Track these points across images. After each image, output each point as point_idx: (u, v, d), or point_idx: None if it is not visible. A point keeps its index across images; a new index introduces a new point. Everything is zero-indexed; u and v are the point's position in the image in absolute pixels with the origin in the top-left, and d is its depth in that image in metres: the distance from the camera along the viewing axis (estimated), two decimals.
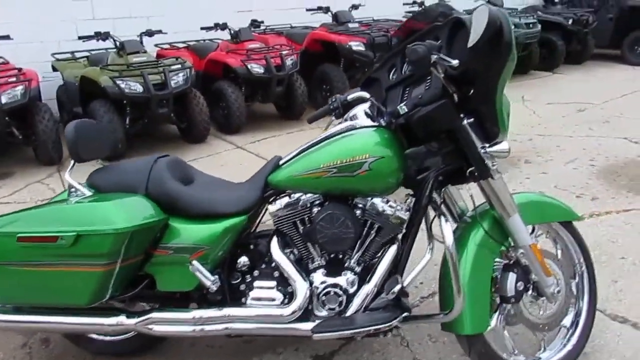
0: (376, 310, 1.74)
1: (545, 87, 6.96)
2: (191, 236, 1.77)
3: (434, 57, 1.48)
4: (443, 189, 1.82)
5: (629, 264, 2.54)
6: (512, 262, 1.75)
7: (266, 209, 1.83)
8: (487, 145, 1.63)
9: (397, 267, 1.78)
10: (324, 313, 1.75)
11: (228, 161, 4.43)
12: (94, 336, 2.03)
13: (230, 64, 4.85)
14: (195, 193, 1.82)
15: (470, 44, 1.42)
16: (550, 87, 6.91)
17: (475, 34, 1.40)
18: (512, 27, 1.44)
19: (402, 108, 1.69)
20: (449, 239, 1.59)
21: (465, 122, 1.62)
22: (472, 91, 1.59)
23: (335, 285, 1.74)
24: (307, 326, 1.72)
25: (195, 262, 1.75)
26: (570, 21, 7.90)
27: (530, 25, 7.14)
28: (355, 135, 1.70)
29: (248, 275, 1.84)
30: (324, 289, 1.74)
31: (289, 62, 4.99)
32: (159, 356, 2.04)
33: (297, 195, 1.77)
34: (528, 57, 7.39)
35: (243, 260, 1.84)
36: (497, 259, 1.78)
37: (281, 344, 2.05)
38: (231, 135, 5.07)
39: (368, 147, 1.66)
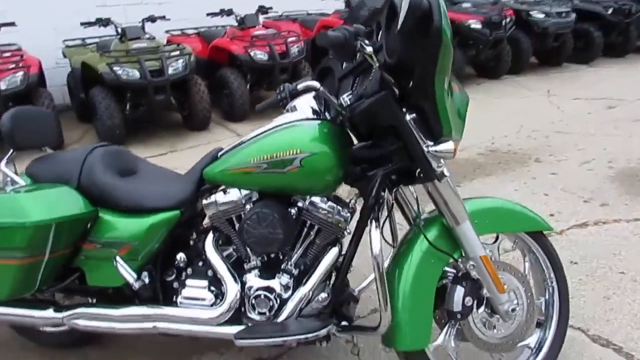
0: (309, 317, 1.60)
1: (576, 81, 6.53)
2: (119, 231, 1.67)
3: (357, 44, 1.31)
4: (395, 190, 1.65)
5: (628, 279, 2.28)
6: (460, 274, 1.57)
7: None
8: (431, 144, 1.45)
9: (339, 272, 1.64)
10: (255, 317, 1.63)
11: None
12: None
13: (232, 50, 4.75)
14: (127, 186, 1.72)
15: (397, 29, 1.25)
16: (582, 81, 6.48)
17: (400, 18, 1.22)
18: (444, 10, 1.24)
19: (345, 100, 1.53)
20: (375, 246, 1.42)
21: (407, 117, 1.44)
22: (410, 84, 1.41)
23: (267, 289, 1.61)
24: (232, 330, 1.60)
25: (118, 258, 1.66)
26: (610, 11, 7.38)
27: (563, 15, 6.71)
28: (289, 129, 1.55)
29: (183, 273, 1.74)
30: (255, 291, 1.61)
31: (294, 49, 4.84)
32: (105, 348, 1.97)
33: (232, 190, 1.65)
34: (560, 48, 6.97)
35: (180, 256, 1.72)
36: (449, 270, 1.61)
37: (224, 344, 1.94)
38: (235, 123, 4.99)
39: (300, 142, 1.50)
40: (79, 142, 4.75)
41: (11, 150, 1.79)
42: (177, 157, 4.17)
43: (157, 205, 1.67)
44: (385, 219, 1.73)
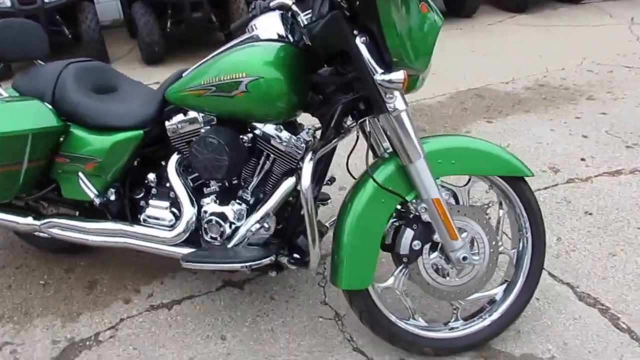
0: (256, 246, 1.59)
1: None
2: (86, 146, 1.71)
3: None
4: (362, 122, 1.53)
5: None
6: (411, 216, 1.46)
7: None
8: (381, 72, 1.30)
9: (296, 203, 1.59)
10: (209, 241, 1.64)
11: None
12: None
13: None
14: (95, 103, 1.73)
15: None
16: None
17: None
18: None
19: (303, 19, 1.40)
20: (305, 180, 1.34)
21: (358, 41, 1.29)
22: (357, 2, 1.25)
23: (220, 215, 1.60)
24: (184, 252, 1.63)
25: (80, 174, 1.71)
26: None
27: None
28: (240, 50, 1.45)
29: (150, 193, 1.77)
30: (209, 216, 1.62)
31: None
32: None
33: (191, 113, 1.61)
34: None
35: (150, 177, 1.75)
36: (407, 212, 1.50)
37: None
38: None
39: (246, 65, 1.41)
40: (124, 58, 4.88)
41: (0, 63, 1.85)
42: None
43: (121, 124, 1.68)
44: (350, 152, 1.64)
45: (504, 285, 1.60)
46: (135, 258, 2.06)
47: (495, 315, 1.56)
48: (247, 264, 1.51)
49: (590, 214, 2.20)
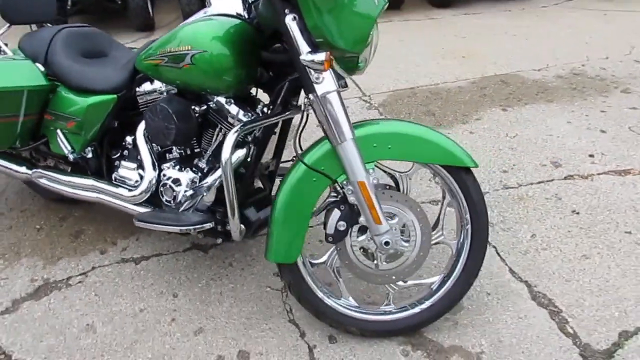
0: (202, 212, 1.67)
1: None
2: (68, 106, 1.85)
3: None
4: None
5: (630, 241, 1.91)
6: (340, 197, 1.47)
7: None
8: (308, 51, 1.30)
9: (245, 174, 1.65)
10: (165, 204, 1.75)
11: None
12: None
13: None
14: (79, 67, 1.85)
15: None
16: None
17: None
18: None
19: None
20: (225, 152, 1.38)
21: (288, 18, 1.31)
22: None
23: (175, 180, 1.69)
24: (141, 211, 1.75)
25: (58, 131, 1.86)
26: None
27: None
28: (192, 24, 1.50)
29: (123, 154, 1.90)
30: (165, 180, 1.71)
31: None
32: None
33: (157, 82, 1.70)
34: None
35: (128, 139, 1.87)
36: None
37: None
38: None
39: (192, 39, 1.46)
40: (169, 25, 5.06)
41: (7, 25, 2.02)
42: None
43: (97, 88, 1.79)
44: (298, 129, 1.65)
45: (442, 276, 1.59)
46: (121, 214, 2.21)
47: (427, 304, 1.55)
48: (185, 227, 1.59)
49: (578, 213, 2.08)
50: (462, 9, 5.14)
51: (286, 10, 1.30)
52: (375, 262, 1.50)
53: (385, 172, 1.54)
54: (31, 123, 1.93)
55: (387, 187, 1.52)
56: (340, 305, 1.56)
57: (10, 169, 2.05)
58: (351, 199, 1.43)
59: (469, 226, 1.51)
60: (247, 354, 1.57)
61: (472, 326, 1.61)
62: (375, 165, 1.52)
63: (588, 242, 1.92)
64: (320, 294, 1.55)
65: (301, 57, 1.30)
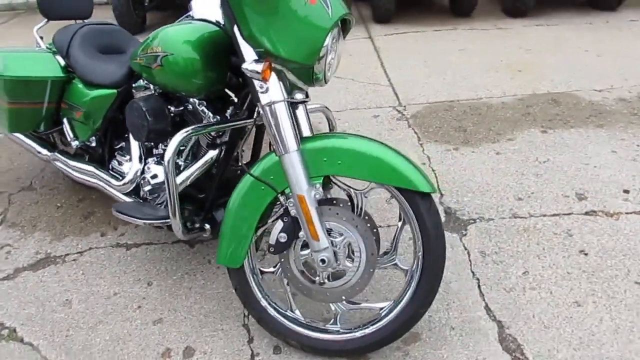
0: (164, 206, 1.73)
1: None
2: (77, 97, 2.01)
3: None
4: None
5: (637, 294, 1.67)
6: (283, 210, 1.44)
7: None
8: (251, 61, 1.30)
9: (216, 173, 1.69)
10: (145, 197, 1.83)
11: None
12: None
13: None
14: (90, 62, 1.99)
15: None
16: None
17: None
18: None
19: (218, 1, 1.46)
20: (168, 152, 1.41)
21: (235, 27, 1.31)
22: None
23: (152, 175, 1.77)
24: (125, 200, 1.85)
25: (65, 119, 2.02)
26: None
27: None
28: (168, 27, 1.55)
29: (122, 146, 2.01)
30: (146, 174, 1.80)
31: None
32: None
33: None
34: None
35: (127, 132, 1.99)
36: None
37: None
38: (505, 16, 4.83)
39: (162, 41, 1.51)
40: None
41: (45, 20, 2.23)
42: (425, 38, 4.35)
43: (100, 82, 1.93)
44: (246, 138, 1.64)
45: (392, 302, 1.51)
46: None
47: (371, 329, 1.48)
48: (148, 221, 1.66)
49: (586, 254, 1.87)
50: (537, 19, 4.79)
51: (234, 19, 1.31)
52: (317, 278, 1.46)
53: (341, 188, 1.49)
54: (52, 110, 2.12)
55: (339, 204, 1.47)
56: (283, 317, 1.54)
57: (34, 149, 2.26)
58: (292, 211, 1.41)
59: (420, 254, 1.43)
60: (193, 351, 1.60)
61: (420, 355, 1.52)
62: (331, 181, 1.49)
63: (586, 288, 1.73)
64: (264, 303, 1.54)
65: (242, 66, 1.30)
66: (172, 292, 1.84)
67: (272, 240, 1.45)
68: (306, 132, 1.48)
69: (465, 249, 1.94)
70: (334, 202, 1.44)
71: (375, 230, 1.53)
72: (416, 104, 3.21)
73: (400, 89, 3.44)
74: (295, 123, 1.44)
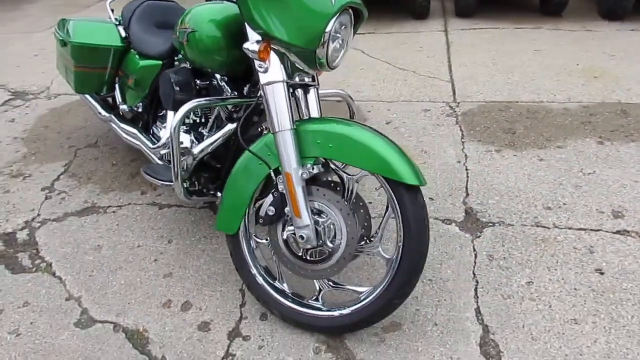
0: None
1: None
2: (130, 66, 2.22)
3: None
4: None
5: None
6: (274, 184, 1.51)
7: None
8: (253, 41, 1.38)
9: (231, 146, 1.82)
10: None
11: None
12: None
13: None
14: (143, 35, 2.19)
15: None
16: None
17: None
18: None
19: None
20: (173, 121, 1.53)
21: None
22: None
23: (181, 141, 1.93)
24: (157, 163, 2.03)
25: (116, 85, 2.23)
26: None
27: None
28: (202, 5, 1.68)
29: (163, 113, 2.20)
30: (176, 140, 1.95)
31: None
32: None
33: None
34: None
35: None
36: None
37: None
38: None
39: (190, 18, 1.65)
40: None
41: None
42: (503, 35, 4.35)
43: (149, 53, 2.12)
44: (245, 115, 1.71)
45: (372, 288, 1.54)
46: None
47: (347, 310, 1.53)
48: (161, 182, 1.83)
49: (602, 273, 1.76)
50: (634, 23, 4.37)
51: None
52: (300, 254, 1.53)
53: (334, 171, 1.54)
54: (113, 75, 2.36)
55: (329, 186, 1.52)
56: (270, 286, 1.63)
57: (96, 109, 2.52)
58: (281, 187, 1.48)
59: (400, 244, 1.44)
60: (190, 306, 1.75)
61: (395, 349, 1.54)
62: (327, 163, 1.54)
63: (590, 307, 1.63)
64: (253, 270, 1.64)
65: (244, 45, 1.39)
66: (186, 252, 2.00)
67: (262, 212, 1.54)
68: (315, 115, 1.55)
69: (474, 250, 1.91)
70: (330, 184, 1.50)
71: (367, 217, 1.57)
72: (471, 102, 3.12)
73: (460, 85, 3.35)
74: (301, 105, 1.52)
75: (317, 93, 1.58)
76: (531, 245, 1.91)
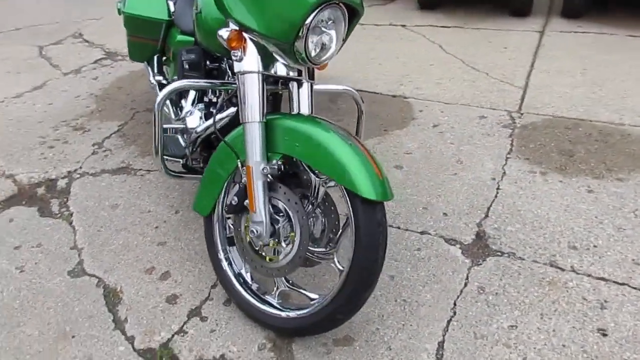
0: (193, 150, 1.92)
1: None
2: (170, 39, 2.33)
3: None
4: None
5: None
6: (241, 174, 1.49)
7: None
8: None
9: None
10: None
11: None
12: None
13: None
14: (183, 12, 2.26)
15: None
16: None
17: None
18: None
19: None
20: (158, 96, 1.55)
21: None
22: None
23: (191, 119, 1.98)
24: None
25: (164, 58, 2.35)
26: None
27: None
28: None
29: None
30: (188, 120, 2.02)
31: None
32: None
33: None
34: None
35: None
36: None
37: None
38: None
39: (201, 0, 1.67)
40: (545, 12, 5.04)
41: None
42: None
43: (184, 30, 2.19)
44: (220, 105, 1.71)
45: (323, 296, 1.48)
46: None
47: (293, 314, 1.49)
48: (174, 159, 1.90)
49: (605, 334, 1.51)
50: None
51: None
52: (257, 248, 1.51)
53: (305, 171, 1.49)
54: (161, 47, 2.49)
55: (291, 186, 1.47)
56: (231, 273, 1.64)
57: (149, 76, 2.68)
58: (243, 179, 1.47)
59: (351, 256, 1.36)
60: (169, 277, 1.82)
61: None
62: (300, 162, 1.49)
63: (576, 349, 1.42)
64: (220, 255, 1.66)
65: (218, 32, 1.38)
66: (186, 224, 2.07)
67: (227, 200, 1.55)
68: (304, 111, 1.51)
69: (467, 279, 1.74)
70: (301, 183, 1.47)
71: (337, 222, 1.51)
72: (537, 114, 2.81)
73: (532, 94, 3.03)
74: (293, 99, 1.48)
75: (311, 89, 1.53)
76: (534, 286, 1.70)
